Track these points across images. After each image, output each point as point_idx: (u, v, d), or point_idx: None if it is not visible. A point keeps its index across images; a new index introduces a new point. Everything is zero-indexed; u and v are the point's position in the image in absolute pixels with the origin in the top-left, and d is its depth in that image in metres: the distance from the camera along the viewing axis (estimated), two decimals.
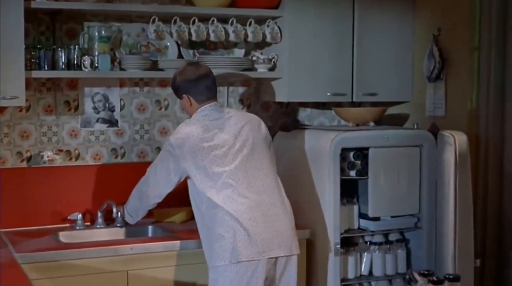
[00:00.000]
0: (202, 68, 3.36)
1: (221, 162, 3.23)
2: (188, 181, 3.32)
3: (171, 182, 3.35)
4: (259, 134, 3.36)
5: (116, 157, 3.96)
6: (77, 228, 3.72)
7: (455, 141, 3.75)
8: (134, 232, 3.76)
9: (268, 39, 3.96)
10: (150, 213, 3.73)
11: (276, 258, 3.21)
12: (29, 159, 3.77)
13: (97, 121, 3.91)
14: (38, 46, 3.57)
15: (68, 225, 3.75)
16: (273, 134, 4.00)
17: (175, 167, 3.29)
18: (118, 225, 3.77)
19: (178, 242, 3.48)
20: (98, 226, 3.76)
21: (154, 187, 3.41)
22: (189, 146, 3.24)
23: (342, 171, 3.71)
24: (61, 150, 3.82)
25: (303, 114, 4.41)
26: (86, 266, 3.26)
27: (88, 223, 3.81)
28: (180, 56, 3.97)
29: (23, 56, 3.37)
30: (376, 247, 3.88)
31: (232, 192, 3.19)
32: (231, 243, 3.13)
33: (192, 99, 3.34)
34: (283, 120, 4.34)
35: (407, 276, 2.85)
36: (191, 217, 3.59)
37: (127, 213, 3.62)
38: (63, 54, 3.57)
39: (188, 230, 3.64)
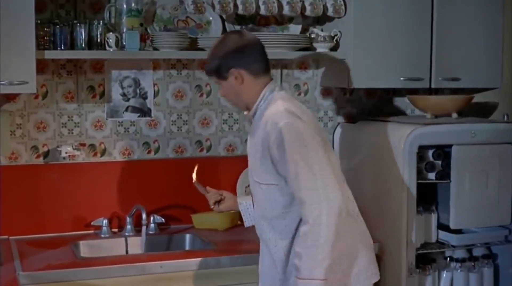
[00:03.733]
0: (248, 35, 2.90)
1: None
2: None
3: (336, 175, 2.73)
4: None
5: (149, 152, 3.77)
6: (102, 235, 3.55)
7: None
8: (169, 242, 3.59)
9: (330, 12, 3.74)
10: (188, 219, 3.67)
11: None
12: (46, 154, 3.61)
13: (126, 110, 3.72)
14: (56, 21, 3.38)
15: (92, 231, 3.60)
16: (335, 125, 4.00)
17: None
18: (151, 232, 3.58)
19: (220, 258, 3.19)
20: (127, 234, 3.56)
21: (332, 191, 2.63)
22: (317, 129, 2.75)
23: (419, 173, 3.53)
24: (83, 144, 3.65)
25: (371, 103, 4.19)
26: None
27: (116, 230, 3.63)
28: (224, 33, 3.65)
29: (34, 33, 3.12)
30: (458, 264, 3.68)
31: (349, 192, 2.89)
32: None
33: (244, 72, 2.72)
34: (346, 109, 4.14)
35: None
36: (236, 224, 3.58)
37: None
38: (83, 30, 3.36)
39: (234, 241, 3.40)
